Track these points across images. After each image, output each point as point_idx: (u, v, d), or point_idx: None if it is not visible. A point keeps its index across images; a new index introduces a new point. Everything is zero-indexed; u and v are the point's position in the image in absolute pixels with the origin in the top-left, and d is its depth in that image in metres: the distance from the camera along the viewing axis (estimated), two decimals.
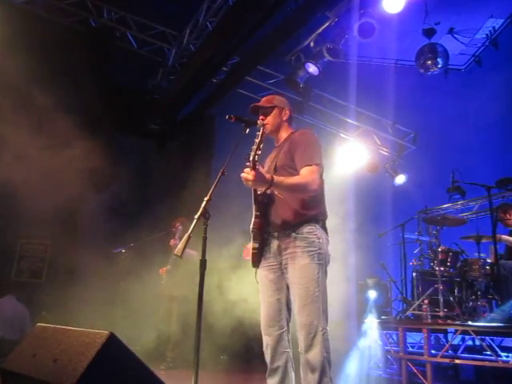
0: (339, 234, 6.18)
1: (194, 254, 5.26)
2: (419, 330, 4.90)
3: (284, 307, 2.72)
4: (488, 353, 4.45)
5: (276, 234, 2.70)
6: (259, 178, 2.37)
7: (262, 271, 2.78)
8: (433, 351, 4.67)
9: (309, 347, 2.50)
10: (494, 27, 7.46)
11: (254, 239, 2.75)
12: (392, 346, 5.45)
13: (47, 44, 5.60)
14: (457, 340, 4.93)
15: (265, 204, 2.69)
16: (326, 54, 6.06)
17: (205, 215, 2.72)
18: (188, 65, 7.02)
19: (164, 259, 6.05)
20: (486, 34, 7.58)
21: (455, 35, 7.49)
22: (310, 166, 2.61)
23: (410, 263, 6.15)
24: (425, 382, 4.45)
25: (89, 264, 5.91)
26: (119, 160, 6.71)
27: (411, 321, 5.24)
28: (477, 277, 5.15)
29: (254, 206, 2.71)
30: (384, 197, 8.26)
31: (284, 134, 2.92)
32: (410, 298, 5.98)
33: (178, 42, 7.15)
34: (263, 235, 2.72)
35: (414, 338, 5.65)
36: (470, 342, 5.27)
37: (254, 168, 2.34)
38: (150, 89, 7.70)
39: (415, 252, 6.92)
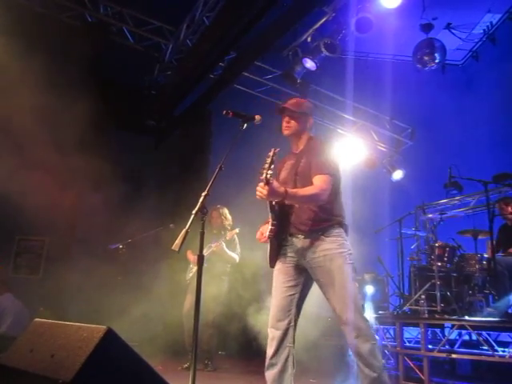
0: None
1: (235, 257, 5.34)
2: (416, 325, 4.93)
3: (295, 304, 2.82)
4: (484, 347, 4.48)
5: (301, 236, 2.80)
6: (273, 192, 2.53)
7: (281, 268, 2.88)
8: (430, 346, 4.70)
9: (356, 338, 2.63)
10: (491, 22, 7.45)
11: (270, 243, 2.88)
12: (389, 340, 5.48)
13: (42, 39, 5.56)
14: (453, 335, 4.95)
15: (282, 212, 2.81)
16: (323, 49, 6.04)
17: (202, 210, 2.73)
18: (185, 60, 6.98)
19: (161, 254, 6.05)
20: (484, 29, 7.57)
21: (453, 30, 7.48)
22: (323, 175, 2.75)
23: (408, 258, 6.17)
24: (422, 376, 4.48)
25: (86, 260, 5.90)
26: (116, 156, 6.69)
27: (408, 316, 5.26)
28: (474, 272, 5.16)
29: (270, 215, 2.81)
30: (381, 192, 8.26)
31: (303, 142, 3.02)
32: (407, 293, 6.00)
33: (174, 37, 7.10)
34: (279, 239, 2.86)
35: (410, 332, 5.68)
36: (466, 337, 5.30)
37: (267, 183, 2.49)
38: (147, 84, 7.67)
39: (412, 247, 6.95)
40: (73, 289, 5.84)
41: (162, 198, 7.06)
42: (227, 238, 5.27)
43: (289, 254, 2.86)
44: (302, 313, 2.88)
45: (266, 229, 2.87)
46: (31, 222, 5.98)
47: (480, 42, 7.83)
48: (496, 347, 4.34)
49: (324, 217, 2.79)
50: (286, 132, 3.00)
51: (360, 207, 7.37)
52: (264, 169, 2.53)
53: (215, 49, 6.15)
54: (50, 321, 2.34)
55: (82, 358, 1.81)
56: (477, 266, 5.14)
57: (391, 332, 5.70)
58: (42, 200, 5.27)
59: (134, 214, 6.02)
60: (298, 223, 2.81)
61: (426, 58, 6.39)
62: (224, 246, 5.21)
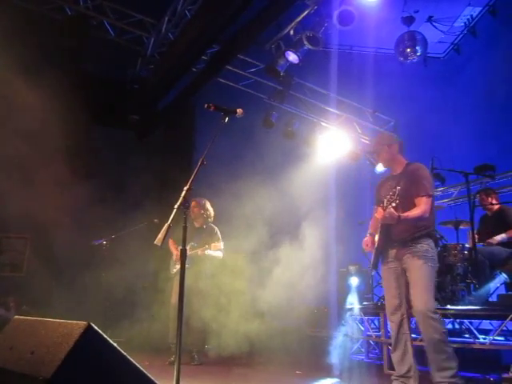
0: (321, 221, 6.23)
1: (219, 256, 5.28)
2: None
3: (403, 299, 3.44)
4: (466, 335, 4.55)
5: (396, 244, 3.45)
6: (389, 218, 3.24)
7: (386, 272, 3.56)
8: (413, 335, 4.75)
9: (428, 329, 3.23)
10: (471, 15, 7.53)
11: (375, 251, 3.56)
12: (373, 331, 5.54)
13: (21, 32, 5.44)
14: None
15: (387, 227, 3.44)
16: (305, 42, 6.03)
17: (184, 204, 2.73)
18: (167, 54, 6.92)
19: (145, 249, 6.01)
20: (464, 22, 7.65)
21: (434, 23, 7.54)
22: (425, 197, 3.36)
23: None
24: None
25: (69, 256, 5.84)
26: (99, 151, 6.62)
27: None
28: (456, 262, 5.22)
29: (379, 229, 3.50)
30: (365, 184, 8.32)
31: (399, 165, 3.63)
32: None
33: (156, 30, 7.02)
34: (382, 249, 3.53)
35: None
36: (449, 326, 5.37)
37: (384, 210, 3.21)
38: (129, 78, 7.58)
39: None
40: (56, 286, 5.78)
41: (146, 194, 7.02)
42: (211, 249, 5.16)
43: (390, 260, 3.50)
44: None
45: (369, 240, 3.64)
46: (12, 219, 5.89)
47: (461, 35, 7.91)
48: (477, 335, 4.41)
49: (417, 229, 3.36)
50: (383, 167, 3.85)
51: (344, 199, 7.43)
52: (388, 200, 3.21)
53: (197, 42, 6.10)
54: (30, 318, 2.32)
55: (62, 355, 1.80)
56: (458, 256, 5.21)
57: (376, 323, 5.75)
58: (23, 197, 5.20)
59: (117, 210, 5.98)
60: (397, 236, 3.42)
61: (407, 50, 6.44)
62: (209, 251, 5.14)
